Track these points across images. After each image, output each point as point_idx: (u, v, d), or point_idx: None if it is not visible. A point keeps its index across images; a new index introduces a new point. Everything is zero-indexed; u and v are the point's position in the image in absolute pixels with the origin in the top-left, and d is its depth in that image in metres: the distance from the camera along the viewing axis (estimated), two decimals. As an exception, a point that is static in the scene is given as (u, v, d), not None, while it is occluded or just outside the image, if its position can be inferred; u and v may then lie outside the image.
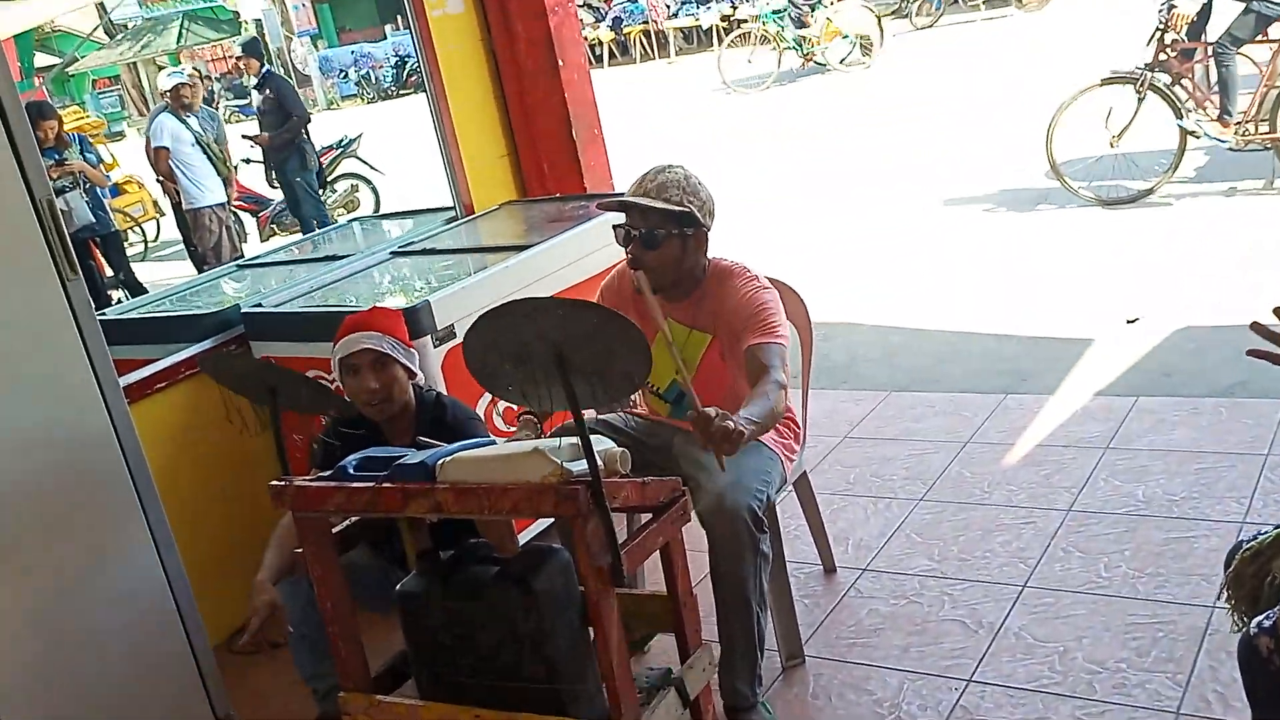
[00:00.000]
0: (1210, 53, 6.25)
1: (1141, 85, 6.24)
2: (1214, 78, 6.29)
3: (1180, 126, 6.19)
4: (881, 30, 14.74)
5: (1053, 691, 2.56)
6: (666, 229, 2.62)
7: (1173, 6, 6.33)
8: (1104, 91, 6.34)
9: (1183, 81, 6.32)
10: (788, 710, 2.68)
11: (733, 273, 2.73)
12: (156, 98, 8.80)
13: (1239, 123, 6.16)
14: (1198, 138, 6.25)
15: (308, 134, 8.82)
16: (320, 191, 9.24)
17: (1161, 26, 6.32)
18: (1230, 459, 3.40)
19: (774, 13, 15.02)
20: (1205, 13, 6.36)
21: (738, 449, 2.23)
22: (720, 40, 19.98)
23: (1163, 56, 6.31)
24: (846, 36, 14.69)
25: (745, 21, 16.23)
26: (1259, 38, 6.16)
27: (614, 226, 2.72)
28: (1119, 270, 5.34)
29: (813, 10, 14.85)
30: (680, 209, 2.61)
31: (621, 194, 2.71)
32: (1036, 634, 2.78)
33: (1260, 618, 1.75)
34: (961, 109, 10.24)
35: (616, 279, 2.90)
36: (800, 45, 14.86)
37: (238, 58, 8.96)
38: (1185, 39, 6.35)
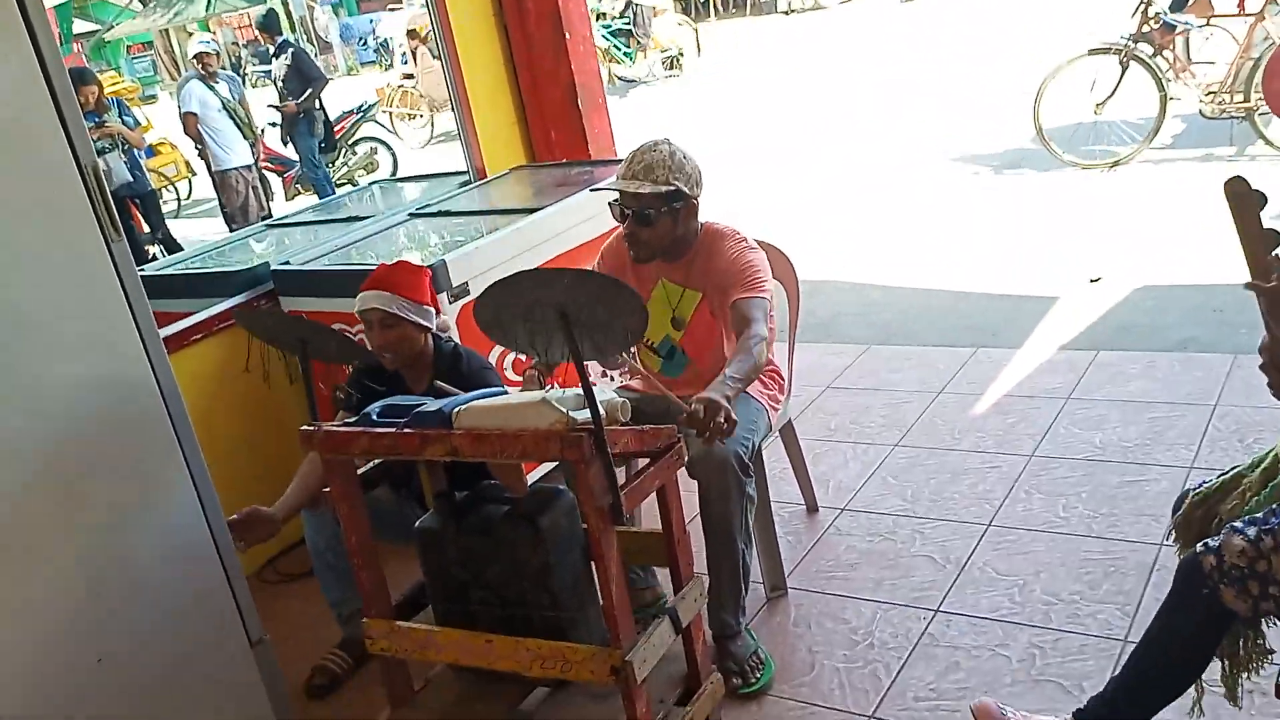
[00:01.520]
0: None
1: (1125, 56, 6.19)
2: (1194, 49, 6.24)
3: (1160, 96, 6.13)
4: (699, 43, 14.60)
5: (1012, 620, 2.61)
6: (656, 208, 2.61)
7: None
8: (1090, 61, 6.29)
9: (1164, 53, 6.26)
10: (770, 637, 2.73)
11: (723, 234, 2.74)
12: (187, 64, 8.67)
13: (1214, 92, 6.12)
14: (1179, 100, 6.22)
15: (321, 103, 8.72)
16: (330, 156, 9.17)
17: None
18: (1181, 409, 3.43)
19: (608, 29, 14.51)
20: None
21: (734, 430, 2.25)
22: (715, 11, 19.80)
23: (1146, 29, 6.25)
24: (667, 50, 14.49)
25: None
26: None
27: (609, 204, 2.70)
28: (1088, 232, 5.33)
29: (641, 31, 14.45)
30: (668, 187, 2.60)
31: (609, 181, 2.68)
32: (999, 568, 2.83)
33: (1209, 539, 1.78)
34: (946, 76, 10.15)
35: (616, 242, 2.89)
36: (631, 59, 14.53)
37: (256, 30, 8.86)
38: (1169, 11, 6.29)
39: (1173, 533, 2.01)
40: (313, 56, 9.69)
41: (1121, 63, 6.22)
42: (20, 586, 2.18)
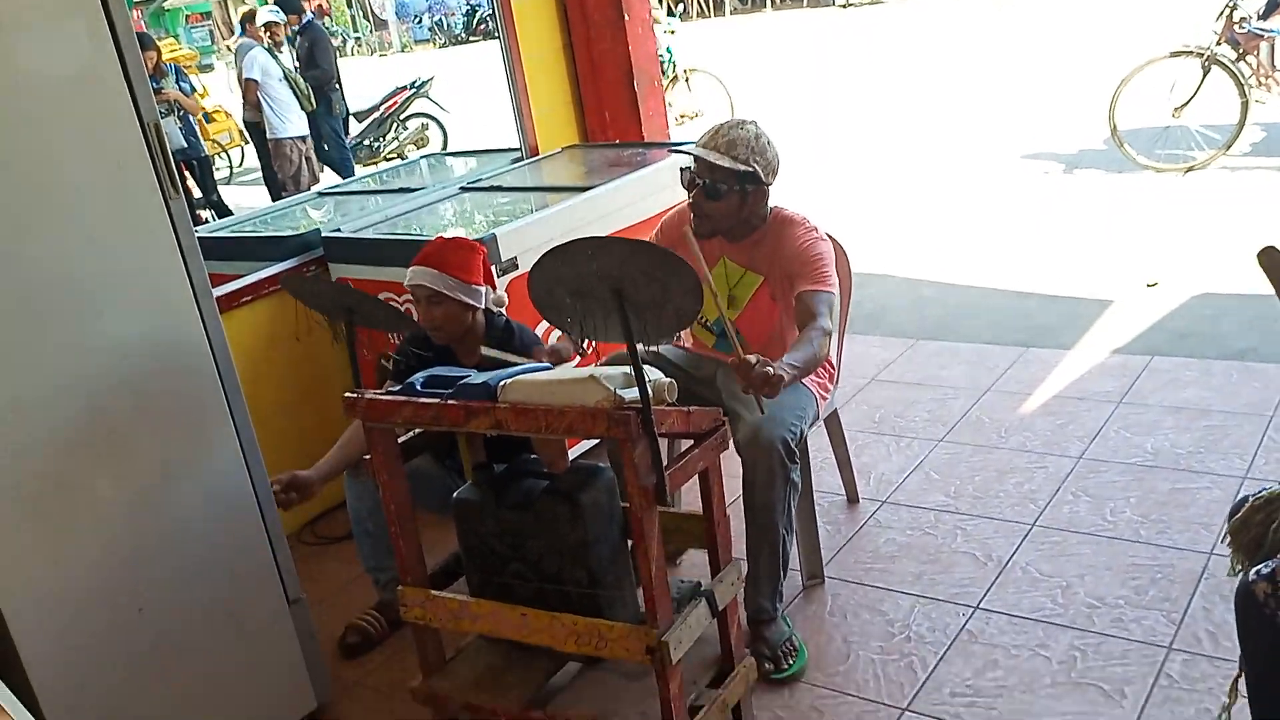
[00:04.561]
0: None
1: (1207, 60, 6.04)
2: (1278, 56, 6.09)
3: (1241, 102, 5.98)
4: None
5: (1054, 622, 2.57)
6: (729, 184, 2.60)
7: None
8: (1170, 63, 6.15)
9: (1247, 59, 6.11)
10: (806, 624, 2.72)
11: (793, 221, 2.71)
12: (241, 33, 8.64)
13: None
14: (1263, 104, 6.07)
15: (339, 86, 8.60)
16: (375, 133, 9.18)
17: (1231, 3, 6.10)
18: (1237, 418, 3.37)
19: None
20: None
21: (778, 392, 2.23)
22: (771, 3, 19.65)
23: (1230, 33, 6.10)
24: None
25: None
26: None
27: (681, 169, 2.70)
28: (1154, 236, 5.22)
29: None
30: (745, 168, 2.59)
31: (691, 145, 2.68)
32: (1042, 569, 2.79)
33: (1260, 565, 1.74)
34: (1016, 74, 9.97)
35: (676, 216, 2.89)
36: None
37: (283, 16, 8.59)
38: (1259, 15, 6.14)
39: (1227, 536, 1.97)
40: (332, 44, 9.43)
41: (1203, 66, 6.06)
42: (66, 536, 2.22)
